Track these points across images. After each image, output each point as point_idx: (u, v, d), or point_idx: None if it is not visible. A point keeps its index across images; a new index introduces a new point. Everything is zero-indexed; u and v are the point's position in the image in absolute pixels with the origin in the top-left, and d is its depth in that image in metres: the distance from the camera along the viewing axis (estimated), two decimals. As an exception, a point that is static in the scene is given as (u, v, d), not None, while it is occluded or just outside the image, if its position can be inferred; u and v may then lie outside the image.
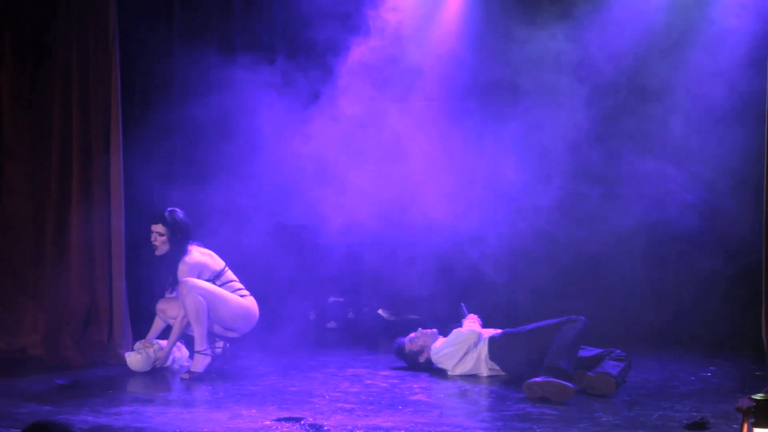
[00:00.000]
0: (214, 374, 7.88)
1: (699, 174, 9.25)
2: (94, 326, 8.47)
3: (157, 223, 7.98)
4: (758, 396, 5.05)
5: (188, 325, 7.97)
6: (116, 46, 8.49)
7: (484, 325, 8.21)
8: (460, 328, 8.11)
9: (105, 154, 8.49)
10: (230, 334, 8.16)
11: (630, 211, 9.45)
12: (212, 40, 9.30)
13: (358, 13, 9.30)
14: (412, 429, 6.22)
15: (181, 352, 8.28)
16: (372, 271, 9.70)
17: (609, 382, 7.23)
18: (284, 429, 6.21)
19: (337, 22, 9.17)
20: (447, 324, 8.40)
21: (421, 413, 6.68)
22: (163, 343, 8.17)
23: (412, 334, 8.30)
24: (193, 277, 7.90)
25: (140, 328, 8.49)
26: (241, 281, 8.19)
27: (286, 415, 6.52)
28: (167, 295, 8.18)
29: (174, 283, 8.00)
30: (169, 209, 8.01)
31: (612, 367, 7.34)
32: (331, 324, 10.02)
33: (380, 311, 10.01)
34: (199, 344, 7.87)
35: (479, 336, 8.04)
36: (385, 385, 7.64)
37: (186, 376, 7.82)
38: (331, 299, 10.06)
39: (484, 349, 7.97)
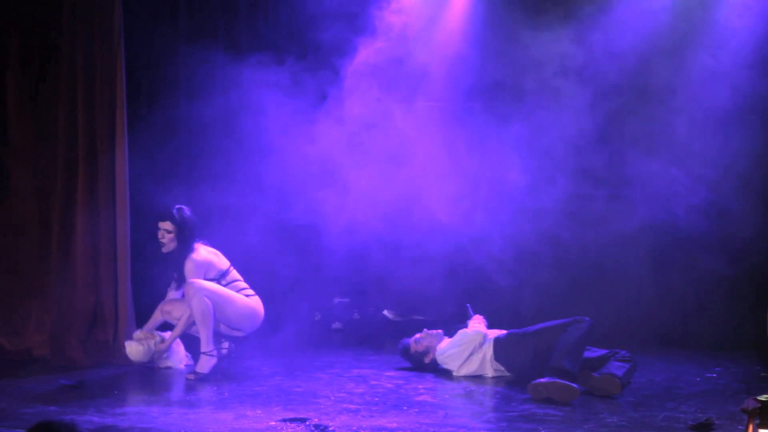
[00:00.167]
0: (219, 375, 7.88)
1: (704, 175, 9.24)
2: (100, 327, 8.48)
3: (165, 220, 8.01)
4: (763, 397, 5.05)
5: (191, 324, 7.99)
6: (121, 47, 8.51)
7: (490, 326, 8.22)
8: (465, 329, 8.12)
9: (110, 155, 8.50)
10: (236, 333, 8.19)
11: (634, 213, 9.45)
12: (218, 40, 9.30)
13: (363, 14, 9.30)
14: (417, 430, 6.23)
15: (179, 348, 8.27)
16: (377, 272, 9.70)
17: (614, 383, 7.23)
18: (289, 429, 6.22)
19: (342, 23, 9.18)
20: (452, 325, 8.41)
21: (426, 414, 6.68)
22: (166, 335, 8.18)
23: (418, 335, 8.30)
24: (199, 274, 7.92)
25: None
26: (246, 281, 8.21)
27: (291, 415, 6.52)
28: (170, 291, 8.20)
29: (180, 279, 8.02)
30: (177, 207, 8.04)
31: (617, 368, 7.34)
32: (336, 325, 10.02)
33: (385, 312, 10.02)
34: (205, 345, 7.88)
35: (484, 337, 8.04)
36: (390, 385, 7.64)
37: (191, 376, 7.83)
38: (336, 300, 10.05)
39: (489, 349, 7.98)
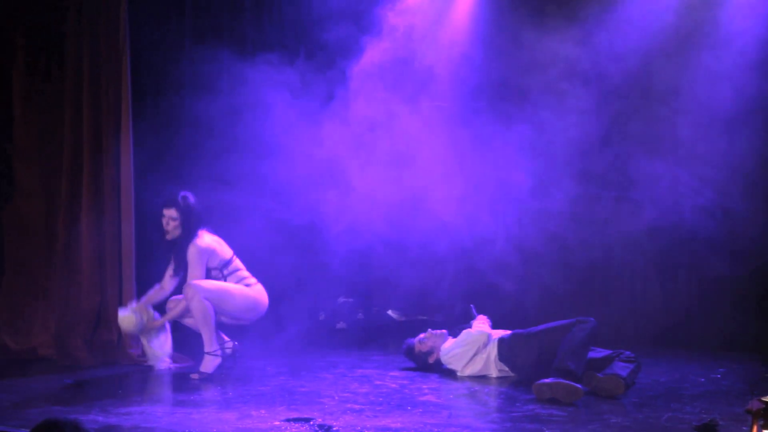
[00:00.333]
0: (223, 375, 7.89)
1: (709, 176, 9.24)
2: (105, 327, 8.49)
3: (170, 207, 8.03)
4: (768, 398, 5.05)
5: (187, 311, 8.00)
6: (127, 46, 8.51)
7: (494, 326, 8.21)
8: (469, 329, 8.12)
9: (116, 155, 8.51)
10: (241, 323, 8.21)
11: (639, 214, 9.45)
12: (223, 40, 9.31)
13: (369, 14, 9.31)
14: (422, 430, 6.22)
15: (167, 341, 8.25)
16: (382, 272, 9.72)
17: (618, 383, 7.22)
18: (293, 429, 6.22)
19: (347, 24, 9.19)
20: (456, 325, 8.41)
21: (431, 414, 6.68)
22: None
23: (422, 335, 8.30)
24: (202, 260, 7.94)
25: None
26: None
27: (296, 415, 6.52)
28: (168, 271, 8.19)
29: (181, 265, 8.02)
30: (182, 194, 8.06)
31: (621, 368, 7.34)
32: (341, 324, 10.03)
33: (390, 312, 10.03)
34: (208, 346, 7.89)
35: (489, 337, 8.04)
36: (394, 385, 7.64)
37: (196, 376, 7.84)
38: (341, 300, 10.07)
39: (493, 350, 7.97)
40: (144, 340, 8.21)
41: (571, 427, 6.37)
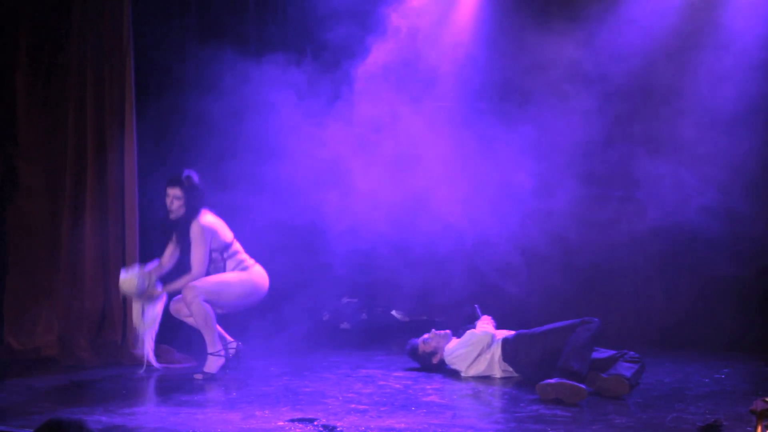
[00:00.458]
0: (227, 375, 7.89)
1: (712, 177, 9.24)
2: (109, 327, 8.50)
3: (174, 186, 8.00)
4: (772, 398, 5.05)
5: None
6: (130, 45, 8.52)
7: (498, 327, 8.21)
8: (473, 330, 8.12)
9: (120, 154, 8.52)
10: (246, 308, 8.23)
11: (643, 214, 9.45)
12: (227, 39, 9.30)
13: (373, 15, 9.32)
14: (426, 430, 6.22)
15: (159, 314, 8.11)
16: (385, 273, 9.71)
17: (622, 383, 7.22)
18: (297, 430, 6.22)
19: (351, 24, 9.19)
20: (461, 325, 8.40)
21: (435, 414, 6.68)
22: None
23: (426, 336, 8.30)
24: (206, 238, 7.90)
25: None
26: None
27: (299, 415, 6.52)
28: (167, 253, 8.16)
29: (183, 242, 8.00)
30: (186, 173, 8.03)
31: (625, 368, 7.33)
32: (345, 325, 10.02)
33: (394, 312, 10.02)
34: (211, 346, 7.89)
35: (493, 337, 8.04)
36: (398, 386, 7.64)
37: (199, 376, 7.84)
38: (345, 300, 10.06)
39: (497, 350, 7.97)
40: (137, 307, 8.10)
41: (575, 427, 6.37)
